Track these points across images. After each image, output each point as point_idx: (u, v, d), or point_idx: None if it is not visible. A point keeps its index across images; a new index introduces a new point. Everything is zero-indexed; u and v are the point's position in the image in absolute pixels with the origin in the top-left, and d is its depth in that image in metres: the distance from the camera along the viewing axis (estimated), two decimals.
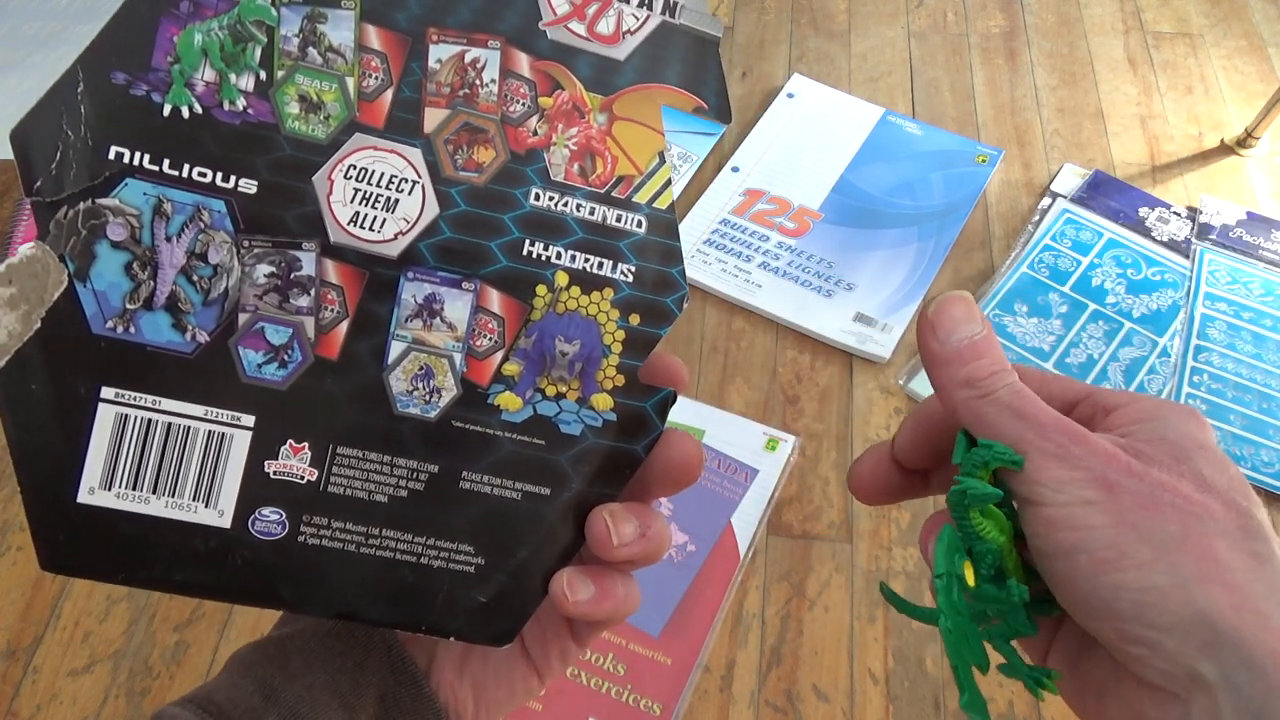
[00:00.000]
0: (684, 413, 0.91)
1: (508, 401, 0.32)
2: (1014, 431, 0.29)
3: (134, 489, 0.30)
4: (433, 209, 0.31)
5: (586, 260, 0.33)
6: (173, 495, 0.31)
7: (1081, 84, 1.21)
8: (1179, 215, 1.06)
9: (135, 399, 0.30)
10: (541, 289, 0.32)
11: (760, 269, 1.02)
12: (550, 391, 0.33)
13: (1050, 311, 0.98)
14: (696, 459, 0.33)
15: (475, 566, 0.33)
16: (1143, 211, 1.06)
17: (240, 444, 0.31)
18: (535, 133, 0.32)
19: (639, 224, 0.33)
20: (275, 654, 0.35)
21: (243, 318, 0.31)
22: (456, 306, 0.32)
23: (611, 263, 0.33)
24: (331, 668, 0.35)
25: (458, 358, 0.32)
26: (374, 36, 0.31)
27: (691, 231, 1.05)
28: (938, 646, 0.78)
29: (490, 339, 0.32)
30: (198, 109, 0.30)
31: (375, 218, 0.31)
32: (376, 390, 0.32)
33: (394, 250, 0.31)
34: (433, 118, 0.31)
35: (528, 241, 0.32)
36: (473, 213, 0.32)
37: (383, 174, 0.31)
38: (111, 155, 0.29)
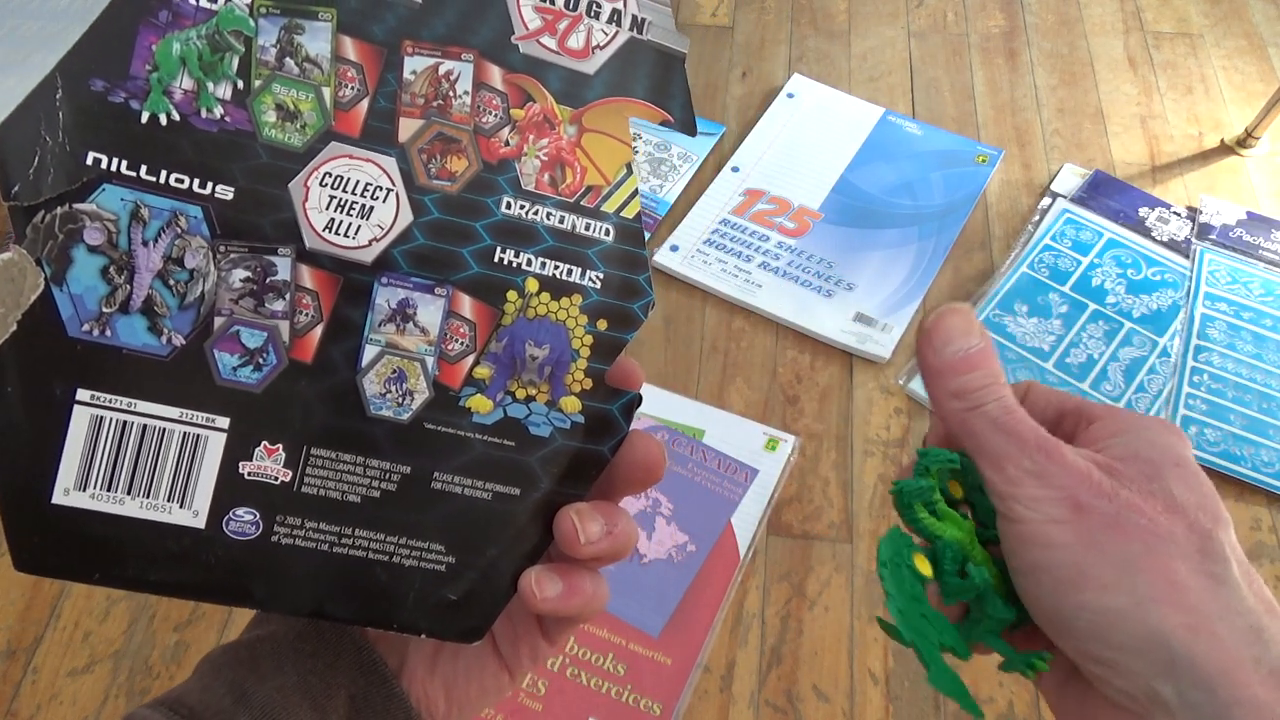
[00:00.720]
0: (684, 412, 0.91)
1: (479, 404, 0.33)
2: (997, 445, 0.30)
3: (108, 490, 0.31)
4: (406, 216, 0.32)
5: (556, 267, 0.33)
6: (147, 496, 0.31)
7: (1081, 84, 1.21)
8: (1179, 215, 1.06)
9: (111, 401, 0.30)
10: (512, 295, 0.33)
11: (760, 269, 1.02)
12: (520, 394, 0.34)
13: (1050, 311, 0.98)
14: (659, 460, 0.34)
15: (446, 565, 0.33)
16: (1143, 211, 1.07)
17: (215, 445, 0.31)
18: (507, 143, 0.33)
19: (607, 232, 0.34)
20: (246, 656, 0.35)
21: (218, 321, 0.31)
22: (429, 311, 0.33)
23: (580, 270, 0.34)
24: (302, 669, 0.35)
25: (430, 361, 0.33)
26: (350, 48, 0.31)
27: (691, 231, 1.05)
28: None
29: (462, 343, 0.33)
30: (175, 116, 0.30)
31: (350, 224, 0.32)
32: (350, 393, 0.32)
33: (368, 256, 0.32)
34: (407, 128, 0.32)
35: (499, 249, 0.33)
36: (446, 220, 0.32)
37: (358, 182, 0.32)
38: (89, 161, 0.30)
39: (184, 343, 0.31)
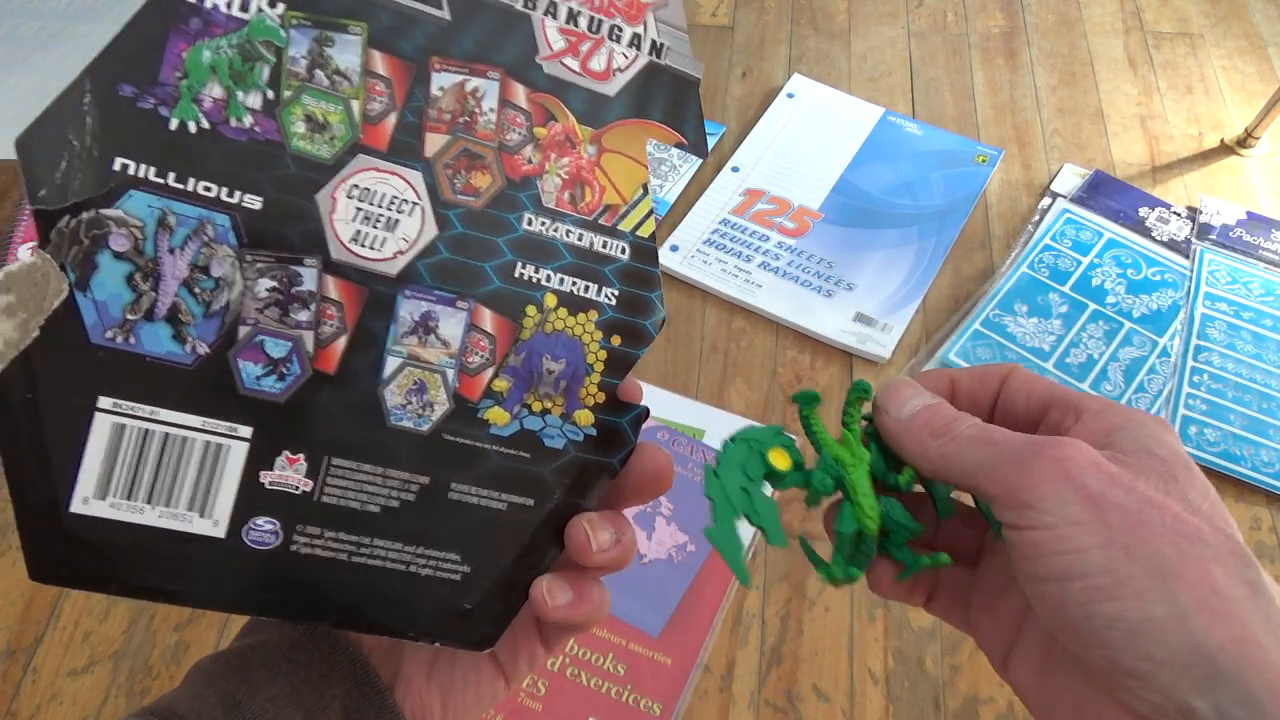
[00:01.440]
0: (684, 412, 0.91)
1: (496, 416, 0.34)
2: (986, 456, 0.29)
3: (128, 499, 0.30)
4: (431, 230, 0.32)
5: (574, 283, 0.34)
6: (167, 505, 0.30)
7: (1081, 84, 1.21)
8: (1179, 215, 1.06)
9: (133, 409, 0.30)
10: (531, 309, 0.34)
11: (760, 269, 1.02)
12: (536, 407, 0.34)
13: (1050, 311, 0.98)
14: (668, 471, 0.35)
15: (461, 575, 0.34)
16: (1143, 211, 1.07)
17: (237, 455, 0.31)
18: (530, 161, 0.34)
19: (623, 250, 0.35)
20: (238, 665, 0.35)
21: (243, 330, 0.31)
22: (451, 324, 0.33)
23: (596, 286, 0.34)
24: (295, 680, 0.34)
25: (450, 373, 0.33)
26: (379, 62, 0.32)
27: (691, 231, 1.05)
28: (938, 646, 0.78)
29: (482, 356, 0.33)
30: (205, 124, 0.30)
31: (376, 236, 0.32)
32: (371, 403, 0.32)
33: (393, 269, 0.32)
34: (433, 143, 0.33)
35: (520, 264, 0.34)
36: (469, 235, 0.33)
37: (384, 194, 0.32)
38: (116, 166, 0.29)
39: (208, 351, 0.31)
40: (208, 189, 0.30)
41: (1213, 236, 1.04)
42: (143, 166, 0.29)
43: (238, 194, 0.30)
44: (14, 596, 0.81)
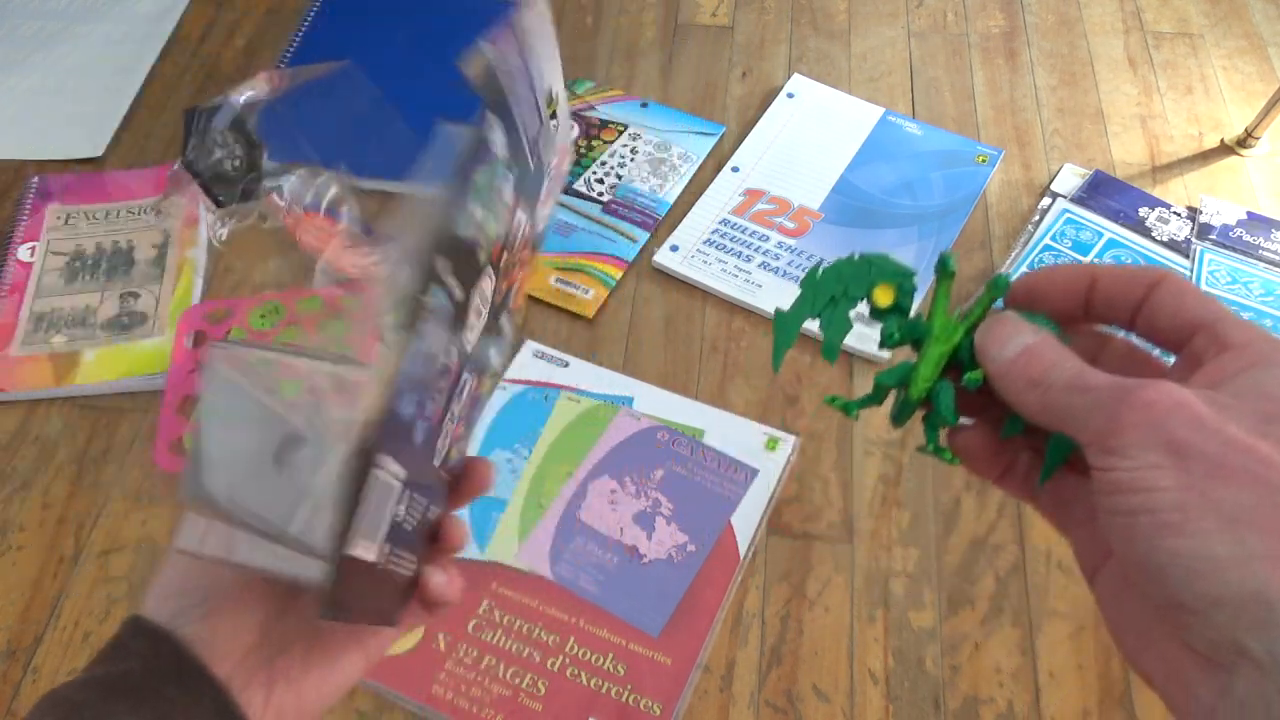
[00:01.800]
0: (684, 412, 0.91)
1: (451, 451, 0.44)
2: (1080, 405, 0.29)
3: (365, 539, 0.35)
4: (484, 321, 0.41)
5: (496, 355, 0.45)
6: (372, 540, 0.35)
7: (1081, 84, 1.21)
8: (1179, 215, 1.06)
9: (386, 462, 0.34)
10: (486, 378, 0.45)
11: (760, 269, 1.02)
12: (461, 442, 0.45)
13: None
14: (488, 477, 0.46)
15: (411, 570, 0.42)
16: (1143, 211, 1.07)
17: (396, 492, 0.36)
18: (515, 273, 0.44)
19: (510, 331, 0.47)
20: (100, 693, 0.35)
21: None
22: (467, 388, 0.43)
23: (498, 355, 0.46)
24: (158, 711, 0.35)
25: (455, 423, 0.42)
26: (510, 196, 0.39)
27: (691, 231, 1.05)
28: (938, 646, 0.78)
29: (464, 409, 0.43)
30: (469, 234, 0.36)
31: (475, 325, 0.40)
32: (430, 445, 0.40)
33: (470, 348, 0.41)
34: (503, 257, 0.41)
35: (492, 345, 0.44)
36: (489, 323, 0.42)
37: (486, 294, 0.40)
38: (435, 264, 0.34)
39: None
40: (455, 284, 0.35)
41: (1213, 236, 1.04)
42: (443, 263, 0.34)
43: (459, 289, 0.36)
44: (14, 596, 0.81)
